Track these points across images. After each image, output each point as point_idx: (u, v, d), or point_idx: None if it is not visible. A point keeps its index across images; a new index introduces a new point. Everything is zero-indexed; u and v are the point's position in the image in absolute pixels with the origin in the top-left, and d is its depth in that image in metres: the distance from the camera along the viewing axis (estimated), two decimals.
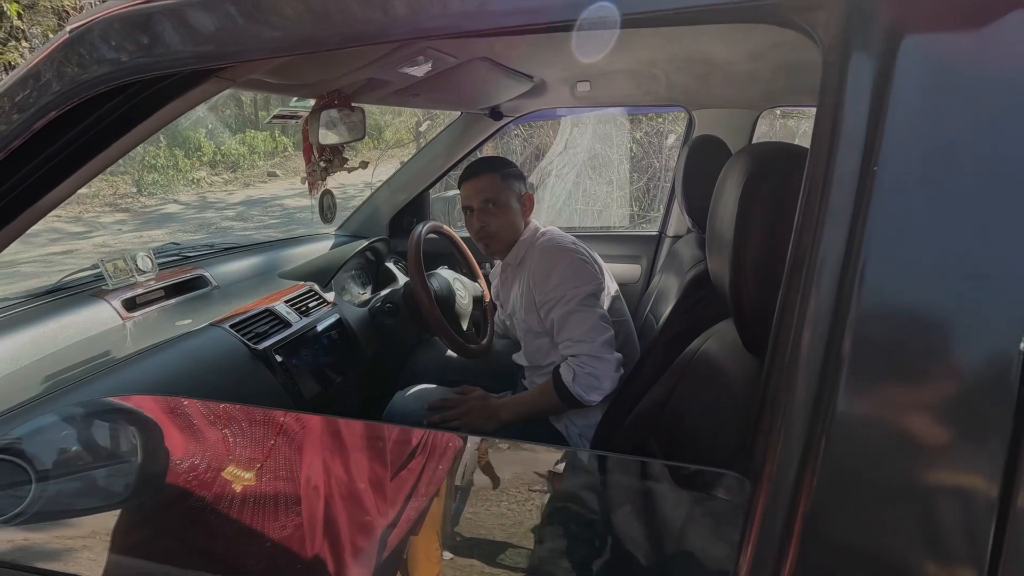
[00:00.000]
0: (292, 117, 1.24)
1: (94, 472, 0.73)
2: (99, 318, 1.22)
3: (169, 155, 9.91)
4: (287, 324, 1.34)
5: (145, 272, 1.37)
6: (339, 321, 1.50)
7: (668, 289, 1.51)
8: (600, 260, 1.42)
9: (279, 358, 1.25)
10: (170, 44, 0.44)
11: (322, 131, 1.16)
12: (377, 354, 1.59)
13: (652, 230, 2.05)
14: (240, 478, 0.68)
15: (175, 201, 8.98)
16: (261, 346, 1.22)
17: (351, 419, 0.68)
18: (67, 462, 0.76)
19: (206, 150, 10.98)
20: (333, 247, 1.93)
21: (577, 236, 1.43)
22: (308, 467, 0.69)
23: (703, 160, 1.37)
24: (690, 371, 0.92)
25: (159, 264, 1.42)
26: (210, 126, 11.42)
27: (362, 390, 1.54)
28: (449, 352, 1.65)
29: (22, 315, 1.14)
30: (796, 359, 0.30)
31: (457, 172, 1.66)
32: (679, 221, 1.97)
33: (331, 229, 2.07)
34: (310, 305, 1.48)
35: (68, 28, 0.47)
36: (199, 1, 0.43)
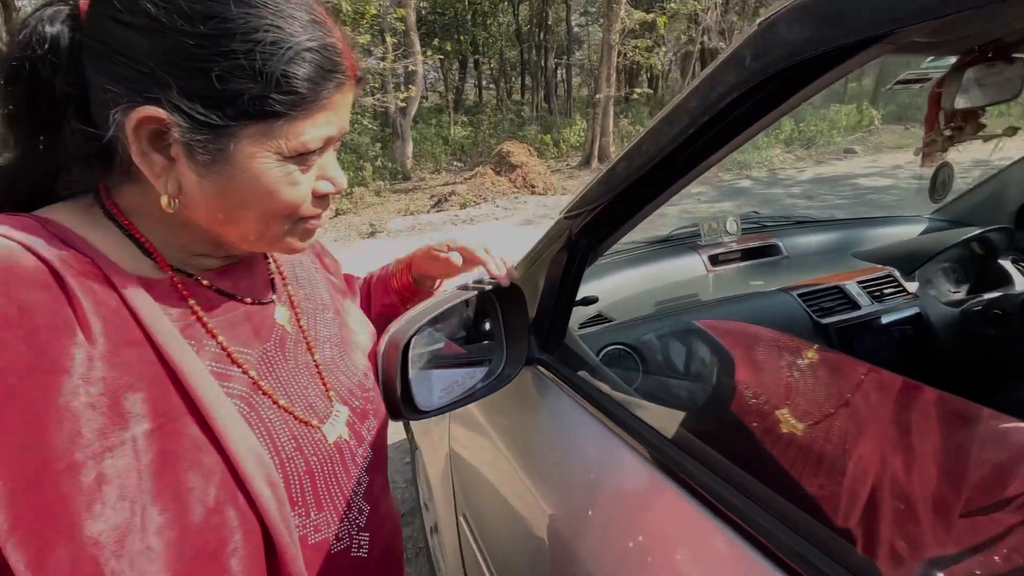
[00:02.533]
0: (920, 80, 1.10)
1: (677, 376, 0.94)
2: (691, 266, 1.50)
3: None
4: (856, 306, 1.27)
5: (730, 235, 1.56)
6: (918, 316, 1.30)
7: None
8: None
9: (838, 338, 1.21)
10: (855, 17, 0.46)
11: (960, 94, 0.99)
12: (963, 366, 1.30)
13: None
14: (803, 416, 0.73)
15: (748, 176, 9.67)
16: (824, 321, 1.21)
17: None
18: (662, 364, 1.01)
19: (785, 128, 11.20)
20: (923, 232, 1.66)
21: None
22: (884, 433, 0.66)
23: None
24: None
25: (742, 229, 1.59)
26: None
27: None
28: None
29: (644, 255, 1.53)
30: None
31: None
32: None
33: (925, 212, 1.78)
34: (885, 291, 1.34)
35: (757, 22, 0.58)
36: None
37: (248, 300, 0.57)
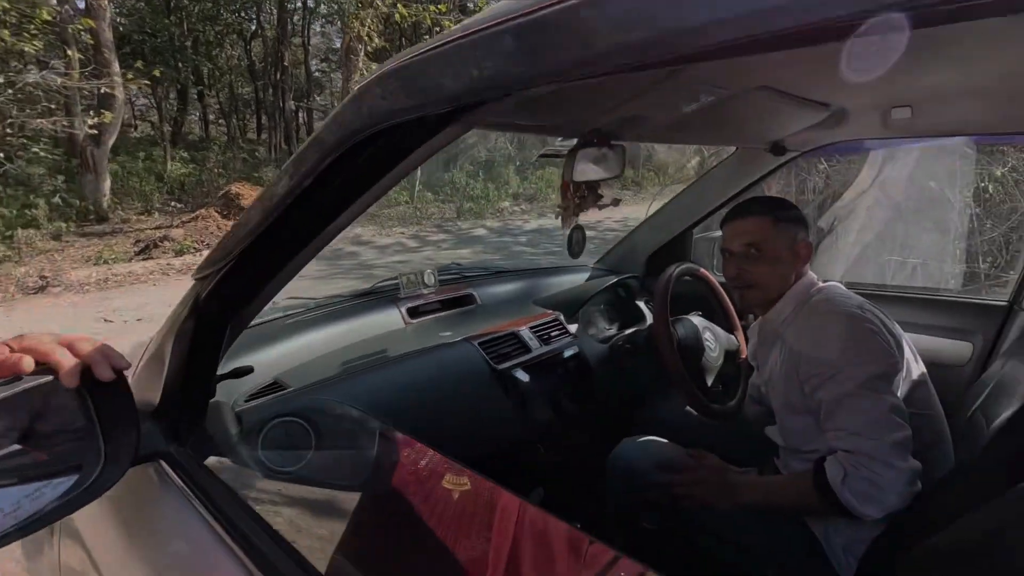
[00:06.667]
0: (556, 155, 1.30)
1: (330, 455, 0.88)
2: (390, 320, 1.49)
3: (484, 188, 11.79)
4: (527, 349, 1.41)
5: (429, 287, 1.61)
6: (577, 354, 1.51)
7: (1015, 382, 1.09)
8: (899, 332, 1.10)
9: (511, 381, 1.32)
10: (428, 90, 0.47)
11: (578, 169, 1.19)
12: (611, 394, 1.55)
13: (998, 299, 1.51)
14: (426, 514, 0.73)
15: (483, 226, 10.58)
16: (501, 366, 1.31)
17: (554, 516, 0.65)
18: (331, 440, 0.94)
19: (512, 184, 12.69)
20: (588, 279, 1.98)
21: (876, 296, 1.14)
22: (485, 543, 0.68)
23: None
24: None
25: (440, 281, 1.66)
26: (518, 163, 13.15)
27: (590, 428, 1.52)
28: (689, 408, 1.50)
29: (343, 310, 1.47)
30: None
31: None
32: None
33: (589, 262, 2.13)
34: (552, 334, 1.53)
35: (355, 87, 0.57)
36: (464, 43, 0.43)
37: None
